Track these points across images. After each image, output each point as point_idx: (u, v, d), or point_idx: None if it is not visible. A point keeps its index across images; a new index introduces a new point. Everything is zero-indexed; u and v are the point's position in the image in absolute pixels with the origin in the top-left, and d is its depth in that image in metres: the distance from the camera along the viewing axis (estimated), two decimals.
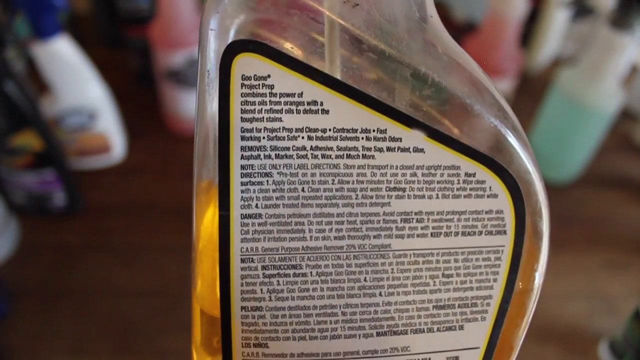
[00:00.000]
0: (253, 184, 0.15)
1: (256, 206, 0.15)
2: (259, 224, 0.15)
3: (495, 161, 0.15)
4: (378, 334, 0.16)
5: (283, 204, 0.15)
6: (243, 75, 0.14)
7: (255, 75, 0.14)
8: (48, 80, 0.44)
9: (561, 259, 0.45)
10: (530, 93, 0.60)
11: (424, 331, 0.16)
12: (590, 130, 0.48)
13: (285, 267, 0.15)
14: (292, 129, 0.14)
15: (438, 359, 0.17)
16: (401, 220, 0.15)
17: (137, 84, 0.61)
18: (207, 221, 0.16)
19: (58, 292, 0.40)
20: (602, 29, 0.44)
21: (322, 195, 0.15)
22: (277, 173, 0.14)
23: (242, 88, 0.14)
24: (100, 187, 0.49)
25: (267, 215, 0.15)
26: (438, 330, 0.17)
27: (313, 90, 0.14)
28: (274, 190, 0.15)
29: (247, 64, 0.14)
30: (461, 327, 0.17)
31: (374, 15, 0.14)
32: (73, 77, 0.45)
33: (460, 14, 0.57)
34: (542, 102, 0.52)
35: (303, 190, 0.15)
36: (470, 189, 0.15)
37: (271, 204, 0.15)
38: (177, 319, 0.38)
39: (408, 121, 0.15)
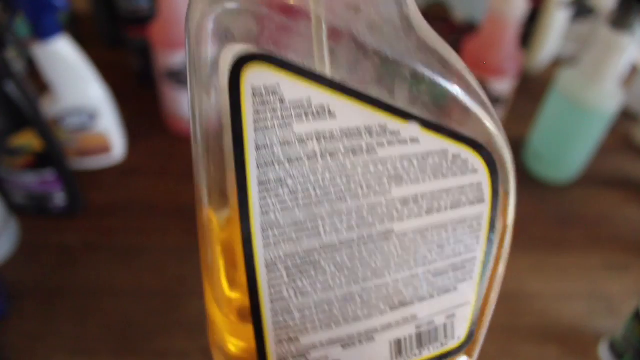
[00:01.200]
0: (270, 193, 0.15)
1: (274, 214, 0.15)
2: (279, 231, 0.15)
3: (478, 142, 0.17)
4: (391, 309, 0.18)
5: (298, 207, 0.15)
6: (253, 86, 0.14)
7: (264, 85, 0.14)
8: (48, 80, 0.44)
9: (561, 259, 0.45)
10: (530, 93, 0.60)
11: (426, 298, 0.18)
12: (590, 130, 0.48)
13: (306, 266, 0.16)
14: (302, 135, 0.15)
15: (440, 319, 0.19)
16: (401, 205, 0.17)
17: (137, 84, 0.61)
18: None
19: (58, 292, 0.40)
20: (602, 29, 0.44)
21: (332, 193, 0.16)
22: (291, 179, 0.15)
23: (253, 100, 0.14)
24: (100, 187, 0.49)
25: (285, 222, 0.15)
26: (438, 294, 0.18)
27: (320, 95, 0.14)
28: (289, 196, 0.15)
29: (256, 75, 0.14)
30: (455, 288, 0.19)
31: (375, 18, 0.15)
32: (73, 77, 0.45)
33: (460, 14, 0.57)
34: (542, 102, 0.52)
35: (315, 191, 0.15)
36: (456, 168, 0.17)
37: (287, 209, 0.15)
38: (177, 319, 0.38)
39: (405, 115, 0.16)
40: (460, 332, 0.20)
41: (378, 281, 0.17)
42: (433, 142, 0.16)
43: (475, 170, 0.17)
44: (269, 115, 0.14)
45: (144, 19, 0.55)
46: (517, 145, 0.56)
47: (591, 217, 0.50)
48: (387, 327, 0.18)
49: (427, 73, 0.16)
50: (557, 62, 0.69)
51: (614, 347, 0.36)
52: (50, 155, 0.42)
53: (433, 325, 0.19)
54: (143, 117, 0.56)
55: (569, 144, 0.50)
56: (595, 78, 0.45)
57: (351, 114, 0.15)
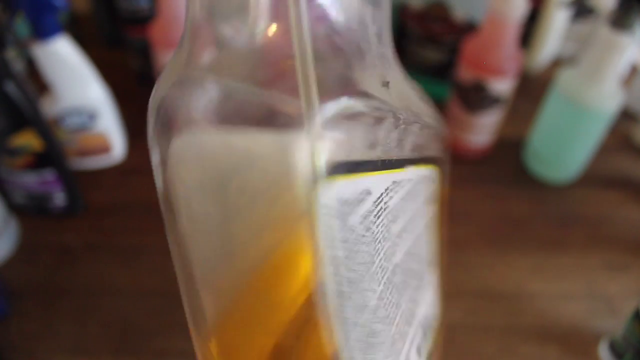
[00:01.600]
0: (343, 309, 0.15)
1: (351, 322, 0.15)
2: (353, 329, 0.16)
3: (441, 159, 0.20)
4: (410, 326, 0.20)
5: (353, 297, 0.16)
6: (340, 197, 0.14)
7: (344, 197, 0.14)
8: (48, 80, 0.44)
9: (561, 259, 0.45)
10: (530, 93, 0.60)
11: (421, 302, 0.20)
12: (590, 130, 0.48)
13: (370, 339, 0.17)
14: (352, 236, 0.15)
15: (428, 310, 0.22)
16: (398, 238, 0.18)
17: (137, 84, 0.61)
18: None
19: (58, 292, 0.40)
20: (602, 29, 0.44)
21: (367, 263, 0.16)
22: (349, 287, 0.15)
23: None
24: (100, 187, 0.49)
25: (351, 316, 0.16)
26: (424, 292, 0.21)
27: (363, 180, 0.15)
28: (350, 298, 0.15)
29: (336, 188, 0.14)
30: (430, 280, 0.21)
31: (398, 87, 0.16)
32: (73, 77, 0.45)
33: (460, 14, 0.57)
34: (542, 102, 0.52)
35: (359, 272, 0.16)
36: (426, 186, 0.19)
37: (350, 307, 0.15)
38: (177, 319, 0.38)
39: (404, 162, 0.17)
40: (437, 309, 0.23)
41: (399, 312, 0.19)
42: (419, 173, 0.18)
43: (434, 180, 0.20)
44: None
45: (144, 19, 0.55)
46: (517, 145, 0.56)
47: (591, 217, 0.50)
48: (412, 342, 0.20)
49: (431, 124, 0.18)
50: (557, 62, 0.69)
51: (614, 347, 0.36)
52: (50, 155, 0.42)
53: (428, 319, 0.21)
54: (143, 117, 0.55)
55: (569, 144, 0.50)
56: (595, 78, 0.45)
57: (379, 183, 0.16)
